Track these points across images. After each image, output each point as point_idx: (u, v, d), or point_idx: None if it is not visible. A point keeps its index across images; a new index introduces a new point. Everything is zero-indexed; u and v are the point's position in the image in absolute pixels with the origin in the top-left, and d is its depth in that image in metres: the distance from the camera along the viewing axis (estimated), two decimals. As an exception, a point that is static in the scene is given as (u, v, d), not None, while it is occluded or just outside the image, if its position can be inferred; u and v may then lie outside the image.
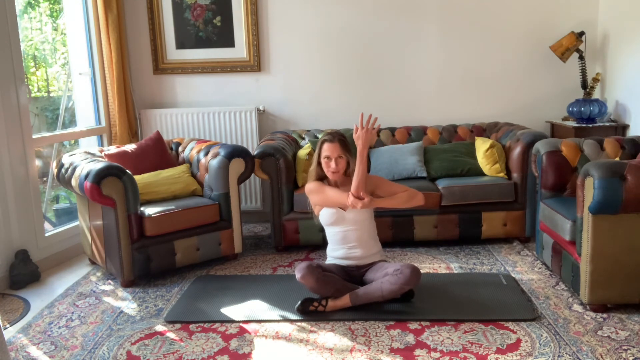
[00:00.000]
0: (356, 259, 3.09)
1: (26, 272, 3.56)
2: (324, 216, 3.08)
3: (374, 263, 3.10)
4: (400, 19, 4.68)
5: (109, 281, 3.58)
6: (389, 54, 4.72)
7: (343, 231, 3.06)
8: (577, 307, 2.94)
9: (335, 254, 3.13)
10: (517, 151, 3.94)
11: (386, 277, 2.90)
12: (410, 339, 2.66)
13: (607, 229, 2.76)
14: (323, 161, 3.05)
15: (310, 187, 3.11)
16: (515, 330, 2.70)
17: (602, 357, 2.45)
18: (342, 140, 3.04)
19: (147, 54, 4.77)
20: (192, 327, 2.87)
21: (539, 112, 4.74)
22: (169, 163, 4.04)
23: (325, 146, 3.03)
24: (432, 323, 2.81)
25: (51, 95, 4.82)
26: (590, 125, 4.30)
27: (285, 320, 2.90)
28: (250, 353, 2.59)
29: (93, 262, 3.90)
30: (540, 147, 3.50)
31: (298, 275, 2.93)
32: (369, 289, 2.93)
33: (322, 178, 3.13)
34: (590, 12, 4.61)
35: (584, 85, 4.46)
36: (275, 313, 2.96)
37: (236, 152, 3.77)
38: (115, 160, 3.69)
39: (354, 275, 3.09)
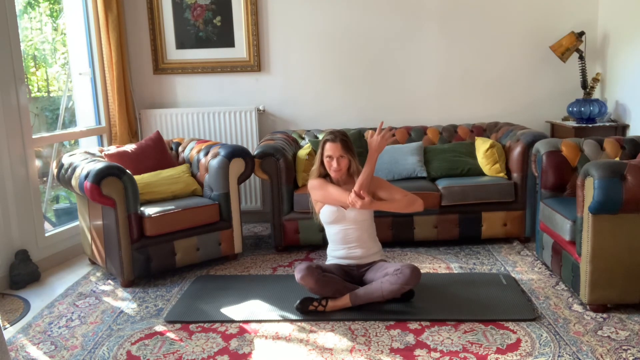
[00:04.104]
0: (356, 258, 3.09)
1: (26, 272, 3.56)
2: (325, 214, 3.08)
3: (373, 263, 3.10)
4: (401, 19, 4.68)
5: (109, 281, 3.58)
6: (389, 54, 4.72)
7: (343, 230, 3.06)
8: (577, 307, 2.94)
9: (335, 253, 3.13)
10: (517, 151, 3.94)
11: (386, 277, 2.90)
12: (410, 339, 2.66)
13: (607, 229, 2.76)
14: (325, 160, 3.06)
15: (313, 184, 3.12)
16: (515, 330, 2.70)
17: (602, 357, 2.45)
18: (344, 140, 3.05)
19: (147, 54, 4.77)
20: (192, 327, 2.87)
21: (539, 112, 4.74)
22: (169, 163, 4.04)
23: (328, 146, 3.04)
24: (432, 323, 2.81)
25: (51, 95, 4.82)
26: (590, 125, 4.30)
27: (285, 320, 2.90)
28: (250, 353, 2.59)
29: (93, 262, 3.90)
30: (540, 147, 3.50)
31: (298, 277, 2.93)
32: (369, 289, 2.93)
33: (324, 176, 3.14)
34: (590, 12, 4.61)
35: (584, 85, 4.46)
36: (275, 313, 2.96)
37: (236, 152, 3.77)
38: (115, 160, 3.69)
39: (353, 275, 3.09)
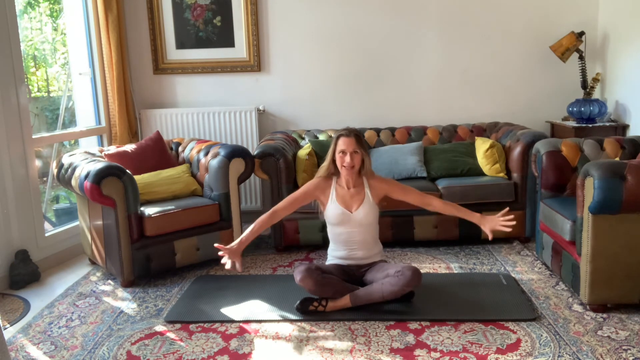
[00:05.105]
0: (357, 259, 3.09)
1: (26, 272, 3.56)
2: (330, 215, 3.07)
3: (374, 263, 3.10)
4: (401, 19, 4.68)
5: (109, 281, 3.58)
6: (389, 54, 4.72)
7: (347, 232, 3.06)
8: (577, 307, 2.94)
9: (336, 253, 3.13)
10: (517, 151, 3.94)
11: (387, 278, 2.90)
12: (410, 339, 2.66)
13: (607, 229, 2.76)
14: (338, 156, 3.02)
15: (313, 183, 3.11)
16: (515, 330, 2.70)
17: (602, 357, 2.45)
18: (358, 135, 3.03)
19: (147, 54, 4.77)
20: (192, 327, 2.87)
21: (539, 112, 4.74)
22: (169, 163, 4.04)
23: (341, 140, 3.00)
24: (432, 323, 2.81)
25: (51, 95, 4.82)
26: (590, 125, 4.30)
27: (285, 320, 2.90)
28: (250, 353, 2.59)
29: (93, 262, 3.90)
30: (540, 147, 3.50)
31: (297, 278, 2.92)
32: (370, 290, 2.93)
33: (332, 174, 3.10)
34: (590, 12, 4.61)
35: (584, 85, 4.46)
36: (275, 313, 2.96)
37: (236, 152, 3.77)
38: (115, 160, 3.69)
39: (353, 275, 3.09)
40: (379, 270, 3.01)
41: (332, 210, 3.06)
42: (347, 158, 2.98)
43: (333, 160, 3.06)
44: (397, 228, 3.91)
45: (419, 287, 2.98)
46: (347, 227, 3.05)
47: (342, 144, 3.00)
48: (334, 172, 3.10)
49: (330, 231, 3.14)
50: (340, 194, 3.07)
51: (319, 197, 3.12)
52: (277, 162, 3.90)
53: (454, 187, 3.89)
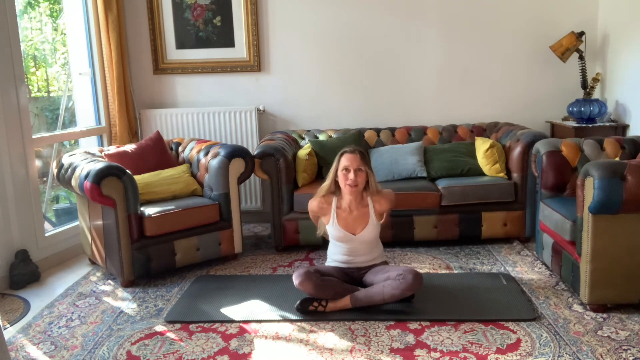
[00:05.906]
0: (358, 263, 3.09)
1: (26, 272, 3.56)
2: (333, 233, 3.06)
3: (374, 265, 3.10)
4: (400, 19, 4.68)
5: (109, 281, 3.58)
6: (389, 53, 4.72)
7: (349, 248, 3.06)
8: (577, 307, 2.94)
9: (336, 257, 3.13)
10: (517, 151, 3.94)
11: (388, 281, 2.89)
12: (410, 339, 2.66)
13: (607, 229, 2.76)
14: (341, 173, 2.96)
15: (312, 206, 3.11)
16: (515, 330, 2.70)
17: (602, 357, 2.45)
18: (363, 153, 2.98)
19: (147, 54, 4.77)
20: (192, 327, 2.87)
21: (539, 112, 4.74)
22: (169, 163, 4.04)
23: (345, 157, 2.95)
24: (432, 323, 2.81)
25: (51, 95, 4.82)
26: (590, 125, 4.30)
27: (285, 320, 2.90)
28: (250, 353, 2.59)
29: (93, 262, 3.90)
30: (540, 147, 3.50)
31: (296, 282, 2.92)
32: (370, 292, 2.92)
33: (332, 193, 3.06)
34: (590, 12, 4.61)
35: (584, 85, 4.46)
36: (275, 313, 2.96)
37: (236, 152, 3.77)
38: (115, 160, 3.69)
39: (354, 276, 3.09)
40: (380, 272, 3.01)
41: (333, 231, 3.05)
42: (351, 175, 2.93)
43: (335, 180, 3.01)
44: (397, 228, 3.91)
45: (420, 289, 2.98)
46: (349, 244, 3.05)
47: (345, 160, 2.94)
48: (334, 191, 3.05)
49: (332, 242, 3.14)
50: (342, 217, 3.04)
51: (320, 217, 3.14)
52: (277, 162, 3.90)
53: (454, 187, 3.89)
